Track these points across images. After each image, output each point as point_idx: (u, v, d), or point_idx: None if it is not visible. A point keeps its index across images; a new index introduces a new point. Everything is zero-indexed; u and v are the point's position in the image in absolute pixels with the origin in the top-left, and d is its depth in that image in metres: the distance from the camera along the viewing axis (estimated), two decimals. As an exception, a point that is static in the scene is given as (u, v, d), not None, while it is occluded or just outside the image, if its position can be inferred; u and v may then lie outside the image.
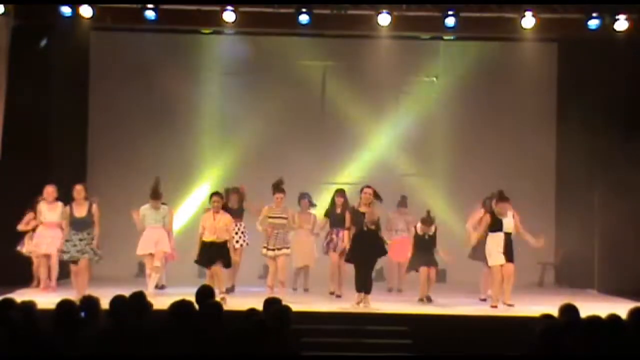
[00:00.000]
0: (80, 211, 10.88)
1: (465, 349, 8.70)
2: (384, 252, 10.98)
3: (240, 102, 14.78)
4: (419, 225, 11.71)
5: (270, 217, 11.81)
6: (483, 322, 10.06)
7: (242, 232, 12.19)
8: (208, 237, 10.98)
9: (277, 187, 11.86)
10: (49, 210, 11.69)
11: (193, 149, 14.73)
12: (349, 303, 10.90)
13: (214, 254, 10.93)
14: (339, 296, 11.70)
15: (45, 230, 11.71)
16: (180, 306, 5.97)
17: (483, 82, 14.90)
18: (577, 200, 13.96)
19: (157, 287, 11.74)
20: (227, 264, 11.08)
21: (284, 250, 11.72)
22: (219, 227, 10.99)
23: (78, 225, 10.84)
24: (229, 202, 11.84)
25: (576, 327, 5.70)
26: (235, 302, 10.25)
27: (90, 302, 6.22)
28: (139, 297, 6.47)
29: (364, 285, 10.68)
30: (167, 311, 5.98)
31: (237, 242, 12.01)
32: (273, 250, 11.70)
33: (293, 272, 12.42)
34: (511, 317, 10.12)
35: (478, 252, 11.77)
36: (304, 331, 8.48)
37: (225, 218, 11.11)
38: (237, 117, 14.84)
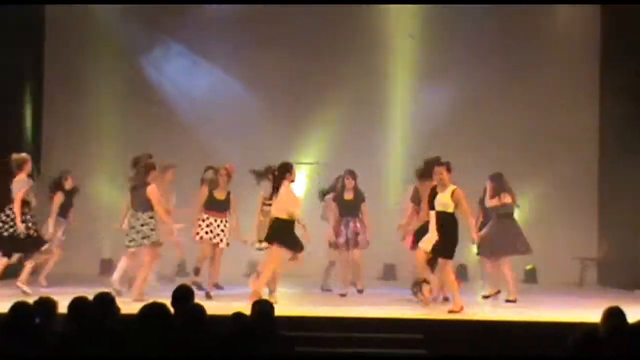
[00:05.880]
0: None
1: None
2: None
3: (211, 77, 15.14)
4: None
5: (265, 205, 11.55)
6: (508, 328, 9.85)
7: (226, 227, 11.69)
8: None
9: (268, 170, 11.39)
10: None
11: (159, 129, 14.78)
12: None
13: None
14: (360, 291, 11.98)
15: None
16: (151, 310, 5.89)
17: (518, 49, 14.96)
18: (624, 186, 13.89)
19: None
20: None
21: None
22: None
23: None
24: (216, 187, 11.55)
25: (622, 334, 5.61)
26: (219, 304, 10.19)
27: (45, 305, 6.15)
28: (104, 299, 6.39)
29: None
30: (136, 316, 5.90)
31: (221, 240, 11.59)
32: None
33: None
34: (545, 323, 9.97)
35: (486, 248, 11.65)
36: (301, 339, 8.38)
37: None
38: (205, 93, 15.16)
